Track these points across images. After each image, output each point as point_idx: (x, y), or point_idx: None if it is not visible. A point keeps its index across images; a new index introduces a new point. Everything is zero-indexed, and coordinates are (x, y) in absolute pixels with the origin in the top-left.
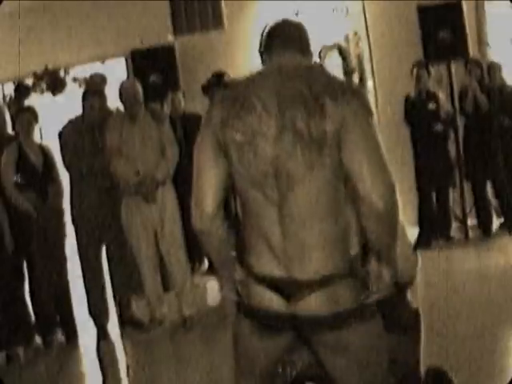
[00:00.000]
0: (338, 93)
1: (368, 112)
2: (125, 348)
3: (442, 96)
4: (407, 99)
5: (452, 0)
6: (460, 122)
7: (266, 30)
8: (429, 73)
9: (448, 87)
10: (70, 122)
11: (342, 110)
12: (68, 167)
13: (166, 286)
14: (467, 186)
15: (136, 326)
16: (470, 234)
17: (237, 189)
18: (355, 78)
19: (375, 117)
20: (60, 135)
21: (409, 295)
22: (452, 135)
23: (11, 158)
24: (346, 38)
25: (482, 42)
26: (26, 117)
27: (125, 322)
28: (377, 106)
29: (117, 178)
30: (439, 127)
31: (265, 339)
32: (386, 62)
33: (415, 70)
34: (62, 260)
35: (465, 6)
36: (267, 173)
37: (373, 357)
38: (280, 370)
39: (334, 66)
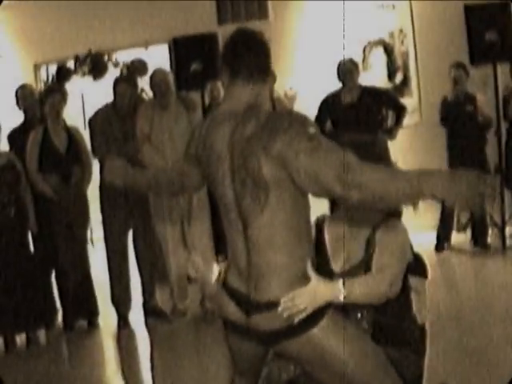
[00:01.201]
0: (270, 135)
1: (302, 134)
2: (148, 337)
3: (481, 99)
4: (444, 101)
5: (500, 0)
6: (503, 126)
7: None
8: (467, 74)
9: (493, 90)
10: (100, 109)
11: (277, 150)
12: (97, 155)
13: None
14: (508, 193)
15: (159, 316)
16: (508, 242)
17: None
18: (399, 76)
19: (413, 116)
20: (90, 123)
21: (414, 310)
22: (494, 140)
23: (36, 141)
24: (391, 35)
25: None
26: (54, 99)
27: (148, 311)
28: (420, 106)
29: (146, 166)
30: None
31: (241, 342)
32: (431, 61)
33: (453, 72)
34: (83, 244)
35: None
36: (229, 205)
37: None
38: (274, 374)
39: (378, 63)
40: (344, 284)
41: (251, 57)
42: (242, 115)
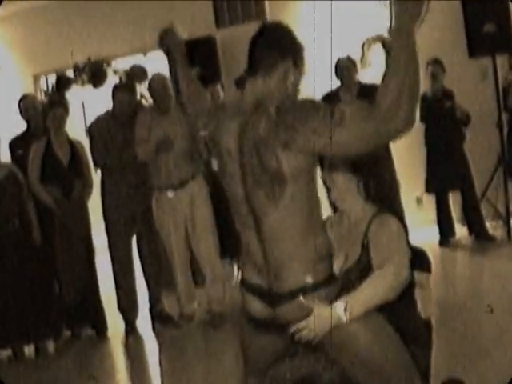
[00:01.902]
0: (288, 131)
1: (322, 118)
2: (156, 343)
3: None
4: (423, 97)
5: None
6: (504, 118)
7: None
8: (444, 70)
9: (493, 82)
10: (100, 117)
11: (300, 144)
12: (97, 162)
13: (198, 281)
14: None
15: (166, 321)
16: None
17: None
18: None
19: None
20: (89, 131)
21: (419, 305)
22: (496, 132)
23: (38, 152)
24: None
25: None
26: (56, 111)
27: (155, 316)
28: (421, 101)
29: (146, 171)
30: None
31: (263, 339)
32: (430, 55)
33: (430, 68)
34: (88, 254)
35: None
36: (241, 204)
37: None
38: (288, 375)
39: (377, 60)
40: (346, 306)
41: (256, 51)
42: (250, 112)
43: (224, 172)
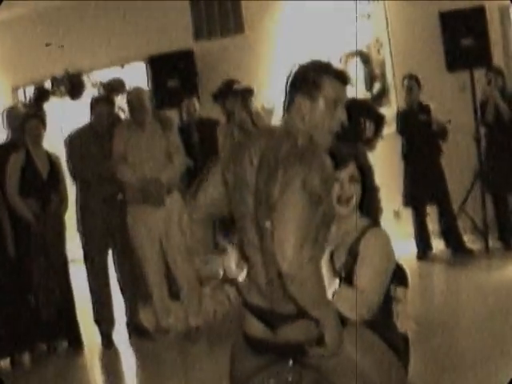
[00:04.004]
0: (290, 160)
1: (307, 180)
2: (133, 356)
3: (434, 108)
4: (399, 112)
5: (475, 6)
6: (482, 131)
7: None
8: (419, 85)
9: (471, 96)
10: (77, 129)
11: (288, 177)
12: (74, 175)
13: (175, 295)
14: (489, 198)
15: (142, 334)
16: (491, 246)
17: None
18: (377, 86)
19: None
20: (66, 143)
21: (396, 319)
22: (473, 145)
23: (17, 164)
24: (368, 46)
25: (507, 50)
26: (33, 124)
27: (131, 329)
28: (398, 115)
29: (123, 186)
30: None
31: (255, 360)
32: (408, 70)
33: (406, 82)
34: (63, 267)
35: (489, 12)
36: (247, 217)
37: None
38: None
39: (355, 73)
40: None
41: (296, 82)
42: (276, 135)
43: (235, 187)
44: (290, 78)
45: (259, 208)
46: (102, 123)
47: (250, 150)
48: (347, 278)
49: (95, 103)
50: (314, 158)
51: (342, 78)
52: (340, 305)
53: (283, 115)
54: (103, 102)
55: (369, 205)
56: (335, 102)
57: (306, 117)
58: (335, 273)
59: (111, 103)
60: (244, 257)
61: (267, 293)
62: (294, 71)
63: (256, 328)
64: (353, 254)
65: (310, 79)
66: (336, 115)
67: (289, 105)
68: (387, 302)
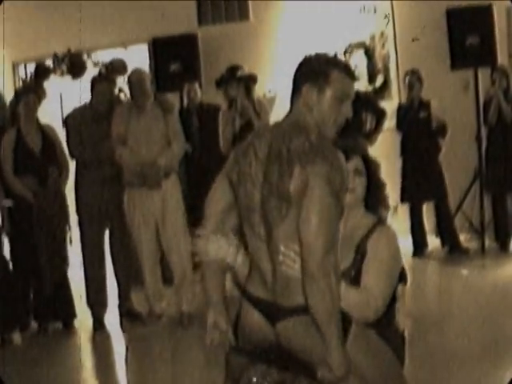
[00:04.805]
0: (308, 157)
1: (330, 178)
2: (124, 340)
3: (435, 105)
4: (399, 107)
5: (482, 4)
6: (483, 131)
7: None
8: (421, 81)
9: (474, 95)
10: (77, 108)
11: (307, 173)
12: (73, 155)
13: (168, 280)
14: (487, 198)
15: (134, 318)
16: (487, 246)
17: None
18: (379, 80)
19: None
20: (65, 122)
21: (397, 317)
22: (474, 145)
23: (9, 143)
24: (373, 39)
25: None
26: (29, 98)
27: (123, 313)
28: (398, 110)
29: (121, 167)
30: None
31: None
32: (412, 65)
33: (407, 78)
34: (63, 245)
35: (496, 12)
36: (253, 210)
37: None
38: (255, 380)
39: (359, 66)
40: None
41: (308, 71)
42: (285, 128)
43: (244, 176)
44: (299, 68)
45: (268, 201)
46: (101, 103)
47: (254, 144)
48: (355, 278)
49: (95, 82)
50: (332, 155)
51: (350, 73)
52: (347, 306)
53: (290, 106)
54: (104, 82)
55: (375, 200)
56: (342, 96)
57: (314, 108)
58: (342, 274)
59: (112, 83)
60: (247, 248)
61: (271, 285)
62: (303, 62)
63: (255, 320)
64: (361, 254)
65: (319, 70)
66: (342, 110)
67: (296, 95)
68: (392, 301)
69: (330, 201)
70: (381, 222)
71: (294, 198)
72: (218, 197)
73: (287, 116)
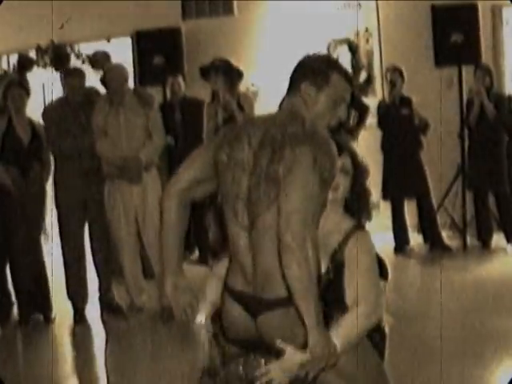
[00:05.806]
0: (299, 140)
1: (317, 159)
2: (104, 333)
3: (417, 102)
4: (380, 104)
5: (467, 2)
6: (466, 129)
7: None
8: (403, 78)
9: (458, 92)
10: (54, 101)
11: (295, 155)
12: (52, 147)
13: (149, 273)
14: (469, 195)
15: (115, 311)
16: (469, 244)
17: (222, 211)
18: (363, 75)
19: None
20: (43, 115)
21: None
22: (457, 142)
23: None
24: (357, 34)
25: (496, 50)
26: (16, 92)
27: (104, 306)
28: (379, 107)
29: (101, 160)
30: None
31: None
32: (396, 61)
33: (389, 75)
34: (38, 237)
35: (481, 10)
36: (239, 198)
37: None
38: (241, 370)
39: (342, 62)
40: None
41: (307, 70)
42: (280, 118)
43: (234, 160)
44: (299, 66)
45: (256, 188)
46: (75, 96)
47: (249, 132)
48: (327, 287)
49: (66, 75)
50: (323, 141)
51: (349, 78)
52: (346, 334)
53: (284, 101)
54: (74, 75)
55: (356, 206)
56: (339, 99)
57: (311, 106)
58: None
59: (82, 76)
60: (228, 239)
61: (251, 278)
62: (304, 60)
63: (235, 313)
64: (336, 263)
65: (320, 70)
66: (337, 113)
67: (293, 90)
68: None
69: (314, 179)
70: (359, 226)
71: (283, 181)
72: (197, 165)
73: (282, 108)
